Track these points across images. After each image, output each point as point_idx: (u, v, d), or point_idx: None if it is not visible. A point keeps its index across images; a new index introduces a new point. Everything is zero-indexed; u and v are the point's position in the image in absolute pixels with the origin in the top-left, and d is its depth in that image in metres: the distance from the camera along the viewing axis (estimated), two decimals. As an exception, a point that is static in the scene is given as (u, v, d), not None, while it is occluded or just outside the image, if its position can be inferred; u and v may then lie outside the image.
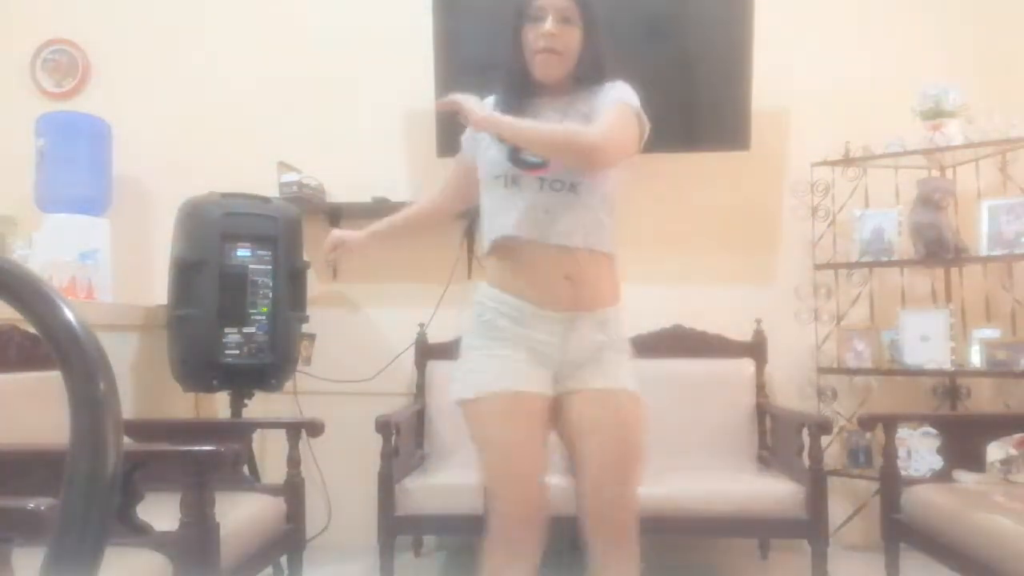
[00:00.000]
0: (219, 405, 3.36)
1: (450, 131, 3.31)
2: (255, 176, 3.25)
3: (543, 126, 1.69)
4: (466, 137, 1.92)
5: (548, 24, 1.69)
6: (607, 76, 1.76)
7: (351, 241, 2.04)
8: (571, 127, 1.68)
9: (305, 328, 3.23)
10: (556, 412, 1.74)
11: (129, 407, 2.96)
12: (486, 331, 1.73)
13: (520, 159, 1.70)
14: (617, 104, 1.71)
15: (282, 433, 2.69)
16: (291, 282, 3.01)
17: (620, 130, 1.68)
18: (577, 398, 1.73)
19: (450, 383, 1.79)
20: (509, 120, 1.69)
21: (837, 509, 3.25)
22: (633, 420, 1.73)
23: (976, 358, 3.09)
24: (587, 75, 1.75)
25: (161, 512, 1.83)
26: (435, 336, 3.41)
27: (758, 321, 3.32)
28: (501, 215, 1.73)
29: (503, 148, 1.72)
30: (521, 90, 1.78)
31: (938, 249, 3.12)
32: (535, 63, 1.74)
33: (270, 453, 3.29)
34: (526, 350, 1.70)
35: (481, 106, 1.73)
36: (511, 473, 1.69)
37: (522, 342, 1.70)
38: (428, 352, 3.39)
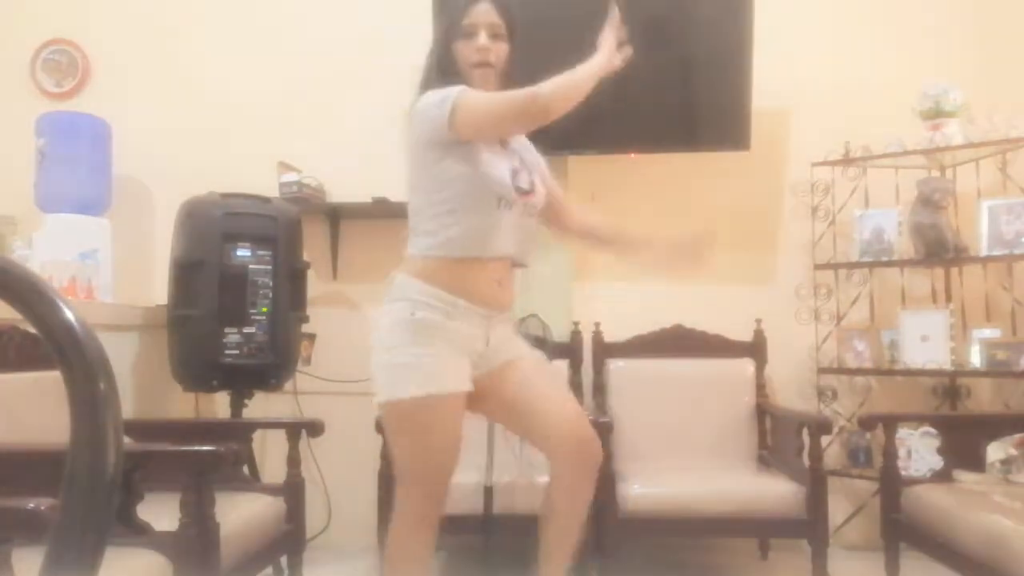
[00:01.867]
0: (219, 405, 3.36)
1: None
2: (255, 176, 3.25)
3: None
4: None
5: (481, 39, 1.81)
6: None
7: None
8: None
9: (305, 328, 3.22)
10: (484, 392, 1.85)
11: (129, 407, 2.96)
12: (415, 328, 1.77)
13: (519, 184, 1.84)
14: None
15: (282, 433, 2.69)
16: (291, 282, 3.01)
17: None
18: (509, 365, 1.89)
19: (376, 384, 1.85)
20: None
21: (837, 509, 3.25)
22: (547, 367, 2.08)
23: (976, 358, 3.09)
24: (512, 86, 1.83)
25: (161, 512, 1.82)
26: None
27: (758, 321, 3.32)
28: (494, 235, 1.81)
29: (506, 170, 1.82)
30: None
31: (938, 249, 3.12)
32: (472, 76, 1.83)
33: (270, 453, 3.29)
34: (454, 348, 1.78)
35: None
36: (444, 471, 1.82)
37: (450, 339, 1.78)
38: (428, 352, 3.39)
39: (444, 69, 1.86)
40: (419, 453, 1.81)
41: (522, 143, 2.00)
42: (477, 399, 1.84)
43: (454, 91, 1.74)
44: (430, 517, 1.85)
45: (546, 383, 1.94)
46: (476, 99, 1.74)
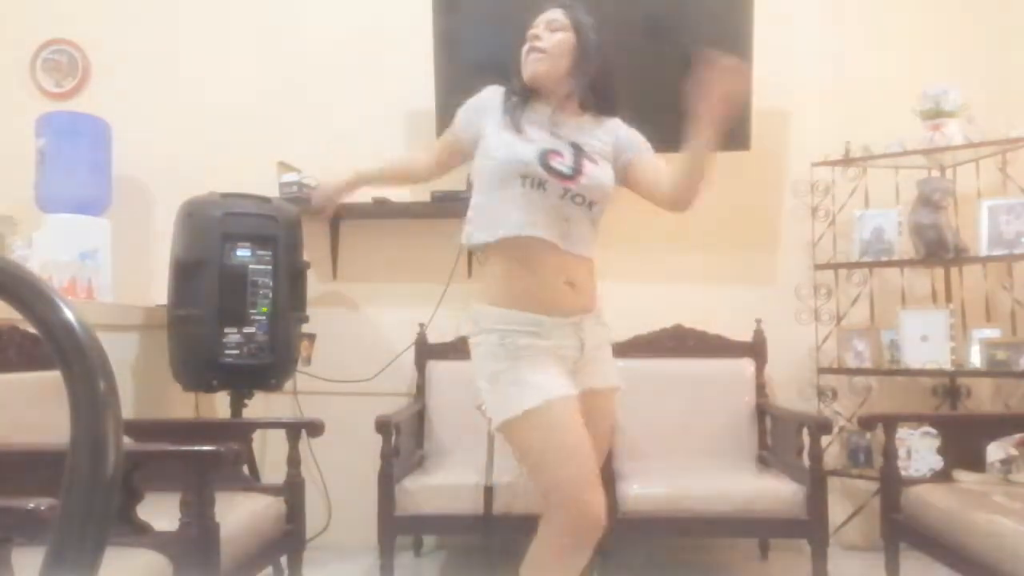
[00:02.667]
0: (219, 405, 3.36)
1: (450, 131, 3.33)
2: (255, 176, 3.25)
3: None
4: (467, 116, 1.97)
5: (536, 29, 1.89)
6: (608, 96, 1.93)
7: (332, 190, 2.20)
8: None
9: (305, 328, 3.22)
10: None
11: (129, 407, 2.96)
12: (510, 354, 1.77)
13: (551, 165, 1.79)
14: (652, 154, 1.95)
15: (282, 433, 2.69)
16: (291, 282, 3.00)
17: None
18: (586, 397, 1.82)
19: (489, 411, 1.79)
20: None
21: (837, 509, 3.25)
22: (613, 414, 1.96)
23: (976, 358, 3.09)
24: (586, 92, 1.89)
25: (161, 512, 1.83)
26: (435, 336, 3.41)
27: (758, 321, 3.32)
28: (519, 213, 1.80)
29: (535, 149, 1.80)
30: (522, 103, 1.90)
31: (938, 249, 3.12)
32: (525, 63, 1.88)
33: (270, 453, 3.29)
34: (553, 360, 1.78)
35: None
36: (587, 473, 1.73)
37: (547, 354, 1.78)
38: (428, 352, 3.39)
39: (515, 70, 1.92)
40: (555, 456, 1.73)
41: (585, 128, 1.92)
42: None
43: (456, 117, 2.02)
44: (586, 528, 1.73)
45: (597, 442, 1.82)
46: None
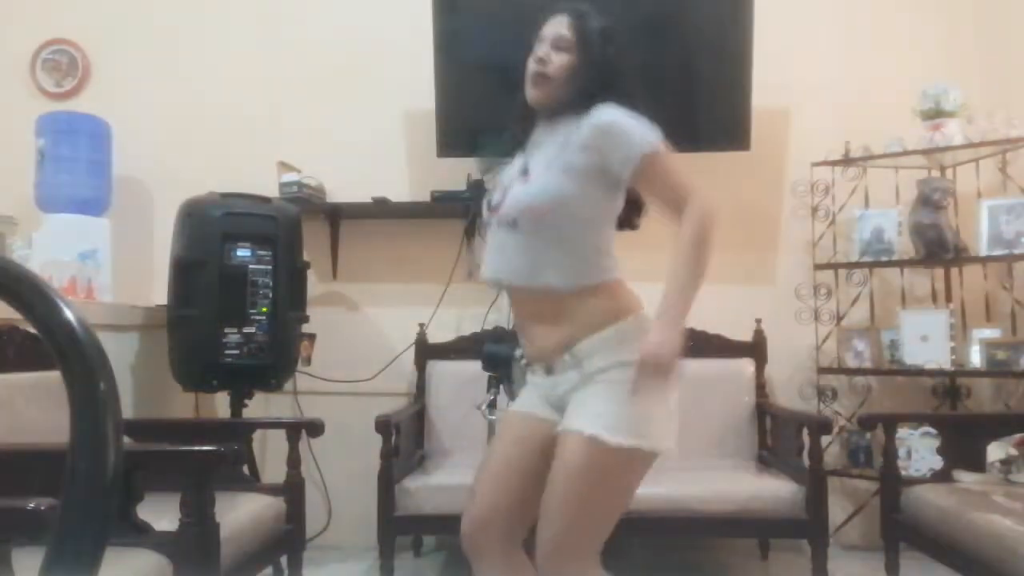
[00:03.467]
0: (219, 405, 3.36)
1: (450, 131, 3.34)
2: (255, 176, 3.25)
3: (689, 269, 1.66)
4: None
5: (542, 49, 1.71)
6: (593, 103, 1.68)
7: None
8: (688, 237, 1.65)
9: (305, 328, 3.22)
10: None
11: (129, 407, 2.96)
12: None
13: (489, 200, 1.75)
14: (648, 165, 1.65)
15: (282, 433, 2.69)
16: (291, 282, 3.00)
17: (680, 176, 1.69)
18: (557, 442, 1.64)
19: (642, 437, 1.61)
20: (671, 314, 1.65)
21: (837, 509, 3.25)
22: (570, 467, 1.57)
23: (976, 358, 3.09)
24: (572, 101, 1.70)
25: (161, 512, 1.83)
26: (435, 336, 3.41)
27: (758, 321, 3.32)
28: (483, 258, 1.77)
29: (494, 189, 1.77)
30: (525, 118, 1.77)
31: (938, 249, 3.12)
32: (527, 85, 1.73)
33: (270, 453, 3.29)
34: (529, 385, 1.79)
35: (651, 351, 1.59)
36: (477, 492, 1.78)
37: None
38: (428, 352, 3.39)
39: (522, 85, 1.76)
40: (622, 505, 1.67)
41: (557, 130, 1.70)
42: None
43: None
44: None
45: (551, 487, 1.61)
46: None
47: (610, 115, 1.64)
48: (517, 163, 1.73)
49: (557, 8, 1.74)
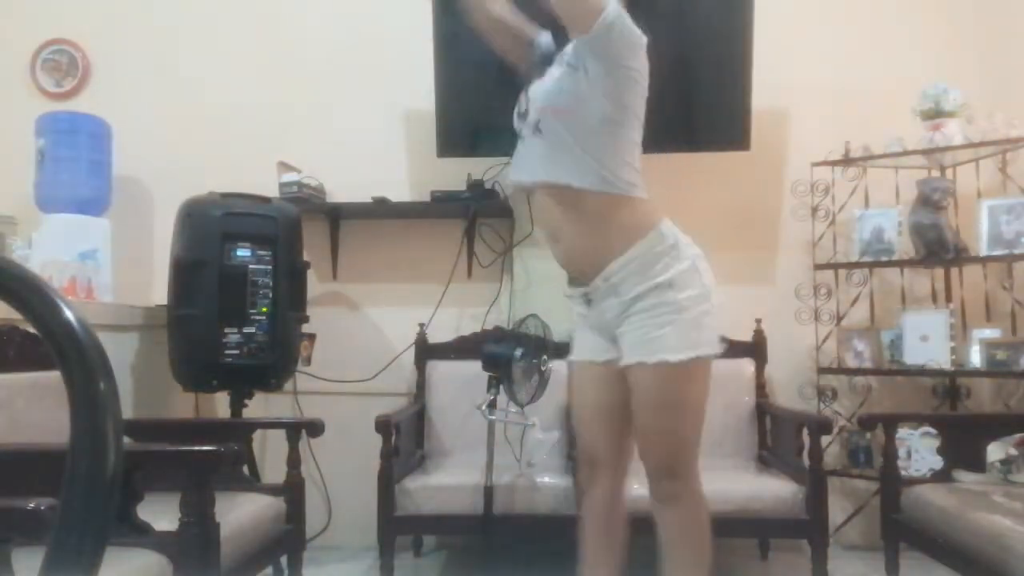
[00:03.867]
0: (219, 405, 3.36)
1: (450, 131, 3.34)
2: (255, 176, 3.25)
3: None
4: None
5: None
6: None
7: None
8: None
9: (305, 328, 3.22)
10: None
11: (129, 407, 2.96)
12: (710, 278, 1.81)
13: (519, 111, 1.78)
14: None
15: (282, 433, 2.69)
16: (291, 282, 3.00)
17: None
18: (627, 372, 1.77)
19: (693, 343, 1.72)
20: None
21: (837, 509, 3.25)
22: (653, 397, 1.73)
23: (976, 358, 3.09)
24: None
25: (161, 512, 1.82)
26: (435, 336, 3.41)
27: (758, 321, 3.32)
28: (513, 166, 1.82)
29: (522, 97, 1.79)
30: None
31: (938, 249, 3.12)
32: None
33: (270, 453, 3.29)
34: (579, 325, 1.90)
35: None
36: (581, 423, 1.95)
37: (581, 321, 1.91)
38: (428, 352, 3.39)
39: None
40: (703, 411, 1.82)
41: (575, 48, 1.73)
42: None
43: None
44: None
45: (638, 420, 1.80)
46: None
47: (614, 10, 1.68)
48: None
49: None
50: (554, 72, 1.75)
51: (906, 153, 3.17)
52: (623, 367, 1.74)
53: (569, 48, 1.73)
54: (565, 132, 1.68)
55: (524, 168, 1.76)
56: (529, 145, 1.75)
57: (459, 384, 3.18)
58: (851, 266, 3.32)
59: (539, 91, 1.74)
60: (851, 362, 3.28)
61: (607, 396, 1.83)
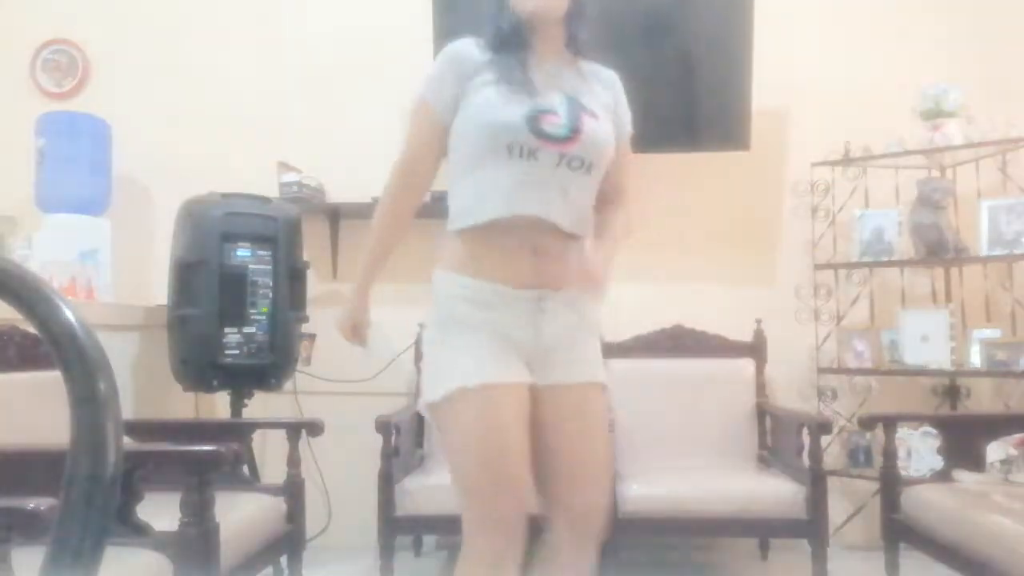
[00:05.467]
0: (219, 405, 3.36)
1: (450, 131, 3.33)
2: (255, 176, 3.25)
3: (615, 232, 1.64)
4: (442, 89, 1.62)
5: None
6: (591, 46, 1.66)
7: (362, 319, 1.81)
8: (625, 216, 1.65)
9: (305, 328, 3.23)
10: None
11: (129, 407, 2.96)
12: (447, 328, 1.55)
13: (542, 129, 1.51)
14: (628, 144, 1.70)
15: (282, 433, 2.69)
16: (291, 282, 3.01)
17: (634, 178, 1.70)
18: (551, 393, 1.56)
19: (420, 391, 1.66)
20: (610, 246, 1.61)
21: (837, 509, 3.25)
22: (602, 417, 1.64)
23: (976, 358, 3.09)
24: (577, 31, 1.63)
25: (161, 512, 1.83)
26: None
27: (758, 321, 3.32)
28: (507, 191, 1.52)
29: (521, 109, 1.51)
30: (516, 47, 1.60)
31: (938, 249, 3.12)
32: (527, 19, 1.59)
33: (270, 453, 3.29)
34: (488, 335, 1.52)
35: (596, 268, 1.53)
36: (500, 475, 1.47)
37: (484, 327, 1.51)
38: (428, 352, 3.38)
39: (495, 15, 1.65)
40: (463, 460, 1.50)
41: (585, 76, 1.64)
42: (535, 419, 1.55)
43: (425, 82, 1.67)
44: (498, 554, 1.46)
45: (568, 447, 1.57)
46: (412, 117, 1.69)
47: (619, 81, 1.68)
48: (534, 86, 1.56)
49: None
50: (599, 111, 1.61)
51: (906, 153, 3.17)
52: (570, 383, 1.57)
53: (596, 92, 1.64)
54: (599, 178, 1.62)
55: (562, 210, 1.55)
56: (570, 181, 1.55)
57: (459, 384, 3.17)
58: (851, 266, 3.32)
59: (598, 131, 1.57)
60: (851, 362, 3.28)
61: (525, 424, 1.52)
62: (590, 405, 1.60)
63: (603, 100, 1.64)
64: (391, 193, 1.79)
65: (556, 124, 1.52)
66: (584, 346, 1.62)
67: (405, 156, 1.71)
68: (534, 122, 1.51)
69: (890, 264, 3.26)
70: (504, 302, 1.53)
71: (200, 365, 2.89)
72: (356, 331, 1.75)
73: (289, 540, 2.52)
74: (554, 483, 1.57)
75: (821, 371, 3.34)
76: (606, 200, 1.66)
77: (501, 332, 1.52)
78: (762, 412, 3.22)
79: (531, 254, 1.54)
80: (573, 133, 1.53)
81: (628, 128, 1.69)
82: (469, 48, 1.64)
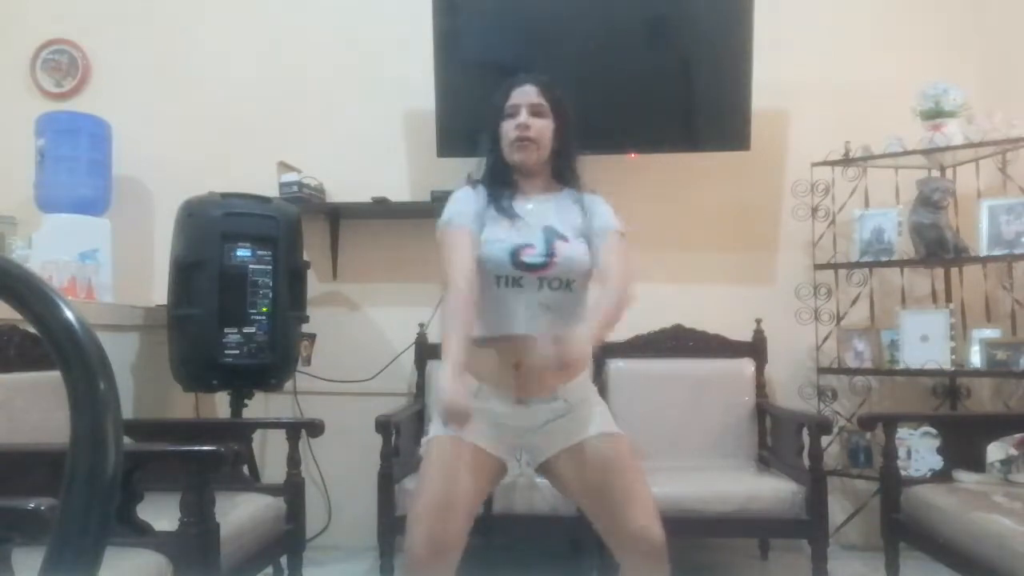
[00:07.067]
0: (219, 405, 3.36)
1: (450, 131, 3.34)
2: (255, 176, 3.25)
3: (610, 307, 1.76)
4: (467, 211, 1.87)
5: (521, 116, 1.88)
6: (579, 176, 1.96)
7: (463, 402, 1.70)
8: (613, 293, 1.78)
9: (305, 328, 3.23)
10: (563, 474, 1.84)
11: (129, 407, 2.96)
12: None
13: (521, 261, 1.80)
14: (614, 236, 1.87)
15: (282, 433, 2.69)
16: (291, 282, 3.01)
17: (627, 264, 1.85)
18: (564, 457, 1.82)
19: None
20: (602, 323, 1.74)
21: (837, 509, 3.25)
22: (624, 455, 1.82)
23: (976, 358, 3.09)
24: (562, 168, 1.94)
25: (161, 512, 1.83)
26: (435, 336, 3.41)
27: (758, 321, 3.32)
28: (501, 314, 1.82)
29: (504, 248, 1.81)
30: (504, 185, 1.91)
31: (938, 249, 3.12)
32: (512, 151, 1.89)
33: (270, 453, 3.29)
34: (486, 418, 1.77)
35: (573, 342, 1.65)
36: (434, 509, 1.70)
37: (480, 415, 1.72)
38: (428, 352, 3.39)
39: (489, 152, 1.96)
40: (418, 488, 1.79)
41: (562, 205, 1.92)
42: (562, 483, 1.86)
43: (446, 214, 1.88)
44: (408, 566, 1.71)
45: (615, 479, 1.79)
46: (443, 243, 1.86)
47: (614, 218, 1.90)
48: (520, 222, 1.85)
49: (519, 80, 1.93)
50: (569, 233, 1.86)
51: (906, 153, 3.17)
52: (590, 437, 1.81)
53: (570, 215, 1.90)
54: (584, 292, 1.88)
55: (563, 325, 1.75)
56: (557, 301, 1.82)
57: (459, 384, 3.17)
58: (851, 266, 3.32)
59: (572, 251, 1.83)
60: (851, 362, 3.28)
61: (479, 484, 1.78)
62: (604, 452, 1.80)
63: (575, 223, 1.89)
64: (451, 308, 1.82)
65: (533, 254, 1.81)
66: (582, 412, 1.85)
67: (449, 275, 1.80)
68: (515, 256, 1.81)
69: (890, 264, 3.26)
70: (497, 397, 1.81)
71: (200, 365, 2.89)
72: (460, 418, 1.70)
73: (289, 540, 2.52)
74: (604, 520, 1.79)
75: (821, 371, 3.34)
76: (600, 280, 1.88)
77: (492, 419, 1.79)
78: (762, 412, 3.22)
79: (514, 369, 1.79)
80: (548, 259, 1.81)
81: (611, 225, 1.88)
82: (472, 190, 1.94)
